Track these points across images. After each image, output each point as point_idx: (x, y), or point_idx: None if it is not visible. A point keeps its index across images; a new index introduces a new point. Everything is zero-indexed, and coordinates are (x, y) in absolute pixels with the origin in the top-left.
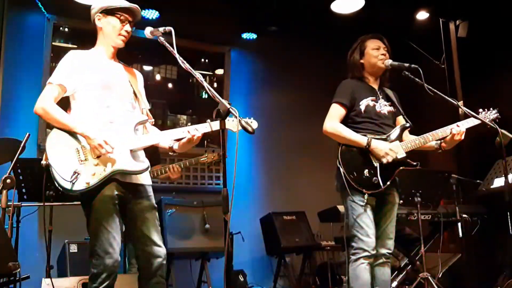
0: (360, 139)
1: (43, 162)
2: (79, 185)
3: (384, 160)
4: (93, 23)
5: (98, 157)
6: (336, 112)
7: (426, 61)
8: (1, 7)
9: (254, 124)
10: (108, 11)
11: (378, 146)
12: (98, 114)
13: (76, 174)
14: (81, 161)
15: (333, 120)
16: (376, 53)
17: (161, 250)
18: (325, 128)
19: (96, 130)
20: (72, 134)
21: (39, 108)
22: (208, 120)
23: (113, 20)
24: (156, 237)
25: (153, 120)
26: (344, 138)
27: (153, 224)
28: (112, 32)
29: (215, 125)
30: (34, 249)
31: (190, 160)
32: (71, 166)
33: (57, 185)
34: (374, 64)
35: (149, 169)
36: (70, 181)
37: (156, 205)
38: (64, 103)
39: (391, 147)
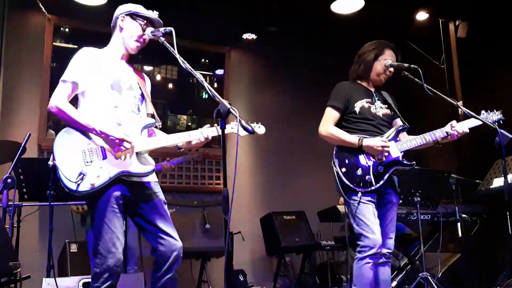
0: (352, 139)
1: (50, 163)
2: (84, 186)
3: (381, 156)
4: (113, 23)
5: (104, 159)
6: (329, 115)
7: (426, 61)
8: (2, 7)
9: (262, 130)
10: (133, 16)
11: (370, 143)
12: (105, 114)
13: (82, 175)
14: (87, 162)
15: (327, 124)
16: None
17: (178, 244)
18: (320, 132)
19: (112, 129)
20: (81, 135)
21: (54, 107)
22: (215, 125)
23: (136, 25)
24: (172, 231)
25: (160, 123)
26: (338, 139)
27: (167, 218)
28: (131, 35)
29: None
30: (34, 249)
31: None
32: (76, 167)
33: (62, 185)
34: (379, 73)
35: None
36: (75, 182)
37: (165, 201)
38: (72, 100)
39: (383, 139)
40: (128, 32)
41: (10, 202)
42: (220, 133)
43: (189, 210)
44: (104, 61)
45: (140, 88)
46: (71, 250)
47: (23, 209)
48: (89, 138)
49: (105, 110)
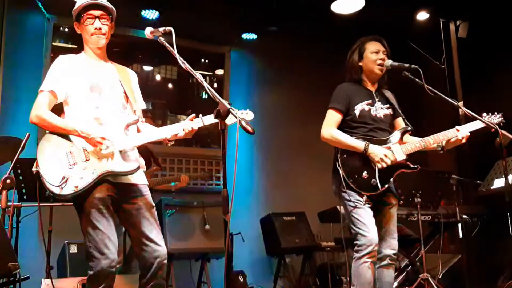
0: (357, 144)
1: (34, 169)
2: (68, 190)
3: (379, 166)
4: None
5: (87, 160)
6: (332, 118)
7: (426, 61)
8: (1, 7)
9: (250, 115)
10: (78, 18)
11: (375, 151)
12: (87, 116)
13: (65, 178)
14: (70, 165)
15: (330, 126)
16: (374, 57)
17: (161, 250)
18: (322, 135)
19: (92, 128)
20: (63, 138)
21: (34, 117)
22: (200, 115)
23: (83, 25)
24: (156, 236)
25: (144, 119)
26: (342, 143)
27: (152, 222)
28: (87, 36)
29: (207, 120)
30: (34, 250)
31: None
32: (60, 171)
33: (47, 191)
34: (372, 69)
35: (140, 169)
36: (59, 186)
37: (154, 204)
38: (57, 109)
39: (386, 153)
40: (85, 35)
41: (9, 202)
42: (205, 124)
43: (189, 210)
44: (81, 65)
45: (122, 85)
46: (70, 251)
47: (22, 209)
48: (71, 141)
49: (86, 112)
